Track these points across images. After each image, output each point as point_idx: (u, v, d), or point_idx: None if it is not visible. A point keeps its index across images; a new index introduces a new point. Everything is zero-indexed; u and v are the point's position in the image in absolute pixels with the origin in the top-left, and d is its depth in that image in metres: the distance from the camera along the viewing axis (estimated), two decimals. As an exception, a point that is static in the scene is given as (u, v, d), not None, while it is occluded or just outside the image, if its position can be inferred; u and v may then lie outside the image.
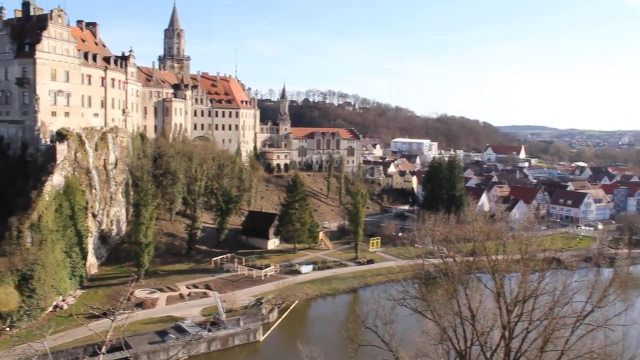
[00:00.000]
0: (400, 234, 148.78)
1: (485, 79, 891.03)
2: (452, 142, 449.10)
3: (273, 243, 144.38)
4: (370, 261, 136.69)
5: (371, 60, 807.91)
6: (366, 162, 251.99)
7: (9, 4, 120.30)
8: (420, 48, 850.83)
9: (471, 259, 54.45)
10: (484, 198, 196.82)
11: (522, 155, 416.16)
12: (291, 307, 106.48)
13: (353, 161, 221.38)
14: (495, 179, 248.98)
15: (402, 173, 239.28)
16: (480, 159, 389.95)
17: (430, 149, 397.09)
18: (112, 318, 20.38)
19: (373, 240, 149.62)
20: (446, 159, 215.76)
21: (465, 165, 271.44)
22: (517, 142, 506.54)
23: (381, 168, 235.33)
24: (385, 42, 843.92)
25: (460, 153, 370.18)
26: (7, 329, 78.55)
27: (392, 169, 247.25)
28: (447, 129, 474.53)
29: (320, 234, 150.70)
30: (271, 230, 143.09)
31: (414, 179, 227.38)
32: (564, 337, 42.75)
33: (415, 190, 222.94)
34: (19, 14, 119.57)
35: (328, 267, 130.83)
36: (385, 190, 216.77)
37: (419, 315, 50.57)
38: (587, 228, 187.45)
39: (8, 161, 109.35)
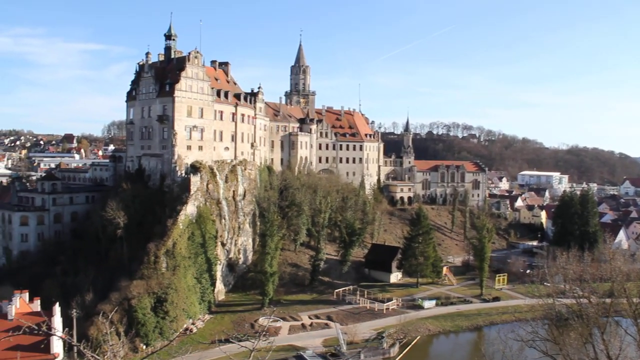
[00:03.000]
0: (528, 271, 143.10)
1: (621, 107, 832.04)
2: (584, 174, 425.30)
3: (395, 276, 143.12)
4: (496, 298, 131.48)
5: (497, 92, 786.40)
6: (492, 195, 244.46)
7: (154, 49, 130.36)
8: (549, 77, 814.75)
9: (609, 300, 51.10)
10: (621, 235, 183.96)
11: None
12: (413, 343, 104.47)
13: (478, 195, 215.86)
14: (634, 214, 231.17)
15: (530, 207, 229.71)
16: (616, 193, 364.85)
17: (561, 182, 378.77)
18: (253, 347, 21.36)
19: (499, 276, 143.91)
20: (578, 192, 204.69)
21: (599, 200, 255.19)
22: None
23: (508, 202, 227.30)
24: (512, 73, 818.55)
25: (594, 186, 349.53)
26: (144, 346, 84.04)
27: (519, 202, 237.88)
28: (578, 161, 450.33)
29: (444, 269, 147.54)
30: (394, 264, 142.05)
31: (543, 214, 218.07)
32: None
33: (545, 225, 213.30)
34: (162, 57, 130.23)
35: (451, 303, 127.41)
36: (512, 225, 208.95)
37: (549, 358, 47.98)
38: None
39: (148, 192, 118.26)
